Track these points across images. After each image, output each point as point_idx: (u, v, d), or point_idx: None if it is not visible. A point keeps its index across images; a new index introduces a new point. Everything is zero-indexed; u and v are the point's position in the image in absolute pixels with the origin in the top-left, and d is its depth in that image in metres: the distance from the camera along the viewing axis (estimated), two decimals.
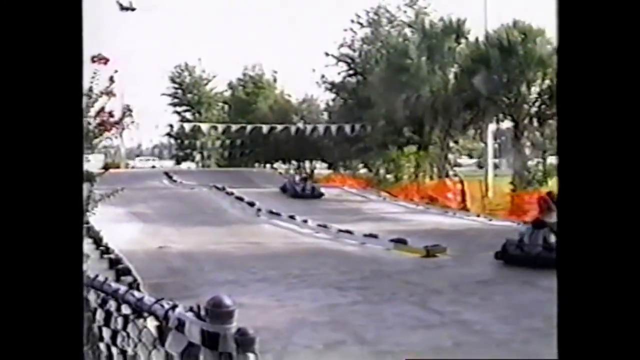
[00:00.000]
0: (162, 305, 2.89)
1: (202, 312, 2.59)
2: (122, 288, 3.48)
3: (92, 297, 3.83)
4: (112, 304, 3.57)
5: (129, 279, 12.30)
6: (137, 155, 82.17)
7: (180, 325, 2.66)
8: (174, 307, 2.80)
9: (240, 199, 29.30)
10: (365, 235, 19.56)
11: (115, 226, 20.04)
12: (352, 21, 52.41)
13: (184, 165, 61.92)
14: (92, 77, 10.70)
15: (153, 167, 61.16)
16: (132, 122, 11.45)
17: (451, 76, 38.67)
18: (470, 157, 60.16)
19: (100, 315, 3.73)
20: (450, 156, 42.01)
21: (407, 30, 47.95)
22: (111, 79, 10.91)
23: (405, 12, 50.72)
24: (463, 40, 39.64)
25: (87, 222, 12.99)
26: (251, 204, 27.58)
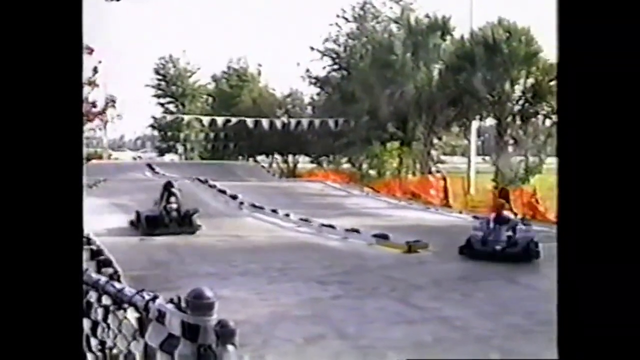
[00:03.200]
0: (142, 297, 2.88)
1: (183, 304, 2.58)
2: (103, 279, 3.47)
3: None
4: (92, 295, 3.55)
5: (109, 270, 12.24)
6: (120, 147, 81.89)
7: (161, 317, 2.65)
8: (154, 298, 2.79)
9: (222, 192, 29.22)
10: (348, 230, 19.54)
11: (97, 217, 19.93)
12: (338, 16, 52.46)
13: (167, 158, 61.72)
14: None
15: (134, 158, 60.85)
16: (118, 115, 11.43)
17: (435, 73, 38.74)
18: (463, 155, 60.31)
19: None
20: (433, 152, 42.09)
21: (393, 26, 47.94)
22: (95, 70, 10.90)
23: (391, 8, 50.80)
24: (448, 37, 39.74)
25: None
26: (234, 197, 27.51)
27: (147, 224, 19.46)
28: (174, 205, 19.91)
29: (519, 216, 17.83)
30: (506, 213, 16.70)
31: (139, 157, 64.71)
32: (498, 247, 15.66)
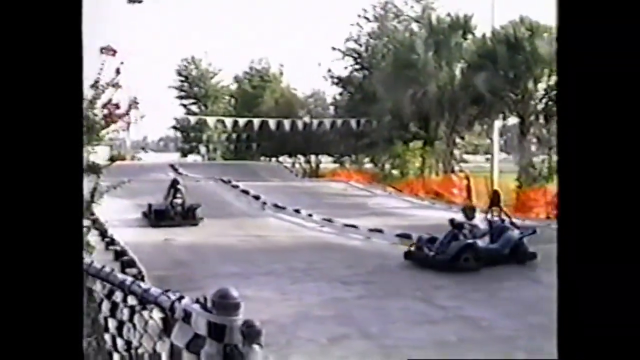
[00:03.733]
0: (168, 297, 2.89)
1: (209, 304, 2.59)
2: (129, 279, 3.49)
3: (98, 287, 3.84)
4: (118, 295, 3.58)
5: (133, 270, 12.32)
6: (143, 148, 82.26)
7: (187, 317, 2.67)
8: (180, 298, 2.80)
9: (245, 192, 29.30)
10: (371, 230, 19.56)
11: (121, 217, 20.10)
12: (359, 16, 52.45)
13: (190, 158, 61.92)
14: (100, 68, 10.72)
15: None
16: (142, 117, 11.46)
17: (457, 72, 38.59)
18: (486, 153, 59.99)
19: (106, 306, 3.74)
20: (455, 152, 41.92)
21: (414, 26, 47.90)
22: (117, 71, 10.92)
23: (412, 7, 50.74)
24: (470, 36, 39.58)
25: (93, 214, 13.01)
26: (256, 198, 27.58)
27: (155, 216, 21.91)
28: (179, 200, 22.32)
29: (512, 219, 17.12)
30: (477, 219, 16.30)
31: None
32: (431, 253, 15.13)
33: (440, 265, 14.71)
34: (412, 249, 15.64)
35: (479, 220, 16.36)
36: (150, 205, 22.41)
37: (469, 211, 16.57)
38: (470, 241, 15.17)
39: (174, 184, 23.18)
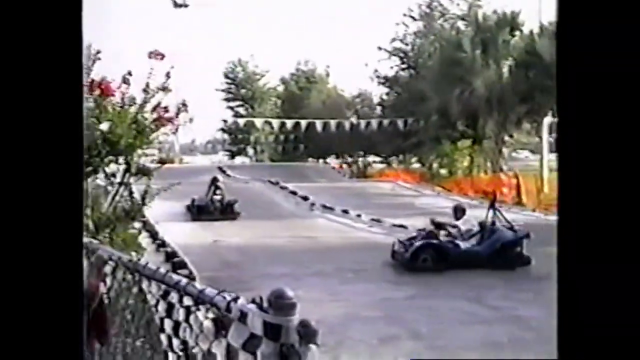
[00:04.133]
0: (224, 297, 2.93)
1: (265, 304, 2.62)
2: (184, 280, 3.54)
3: (154, 289, 3.91)
4: (174, 296, 3.63)
5: (184, 272, 12.44)
6: (191, 150, 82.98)
7: (243, 317, 2.70)
8: (236, 298, 2.84)
9: (293, 193, 29.42)
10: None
11: (170, 219, 20.34)
12: (405, 15, 52.24)
13: (238, 160, 62.31)
14: (149, 73, 10.87)
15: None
16: (191, 119, 11.59)
17: (505, 69, 38.22)
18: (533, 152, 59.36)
19: (162, 307, 3.81)
20: (504, 150, 41.52)
21: (460, 24, 47.55)
22: (167, 75, 11.06)
23: (458, 4, 50.34)
24: (517, 33, 39.16)
25: (144, 216, 13.20)
26: (305, 198, 27.68)
27: (197, 211, 23.70)
28: (218, 197, 24.04)
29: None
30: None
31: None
32: (402, 251, 15.23)
33: (403, 265, 14.77)
34: (396, 247, 15.61)
35: (462, 221, 16.17)
36: (193, 200, 23.94)
37: (457, 211, 16.52)
38: (434, 241, 15.10)
39: (214, 181, 24.62)
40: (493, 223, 15.92)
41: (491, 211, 16.05)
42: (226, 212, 23.55)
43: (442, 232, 15.59)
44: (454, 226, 15.92)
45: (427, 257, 14.69)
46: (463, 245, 15.23)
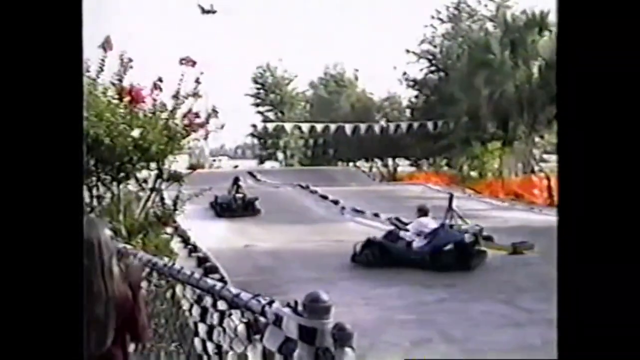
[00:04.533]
0: (259, 301, 2.95)
1: (299, 308, 2.63)
2: (219, 284, 3.56)
3: (188, 293, 3.94)
4: (208, 300, 3.66)
5: (216, 276, 12.48)
6: (222, 155, 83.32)
7: (278, 321, 2.71)
8: (270, 302, 2.85)
9: (324, 197, 29.42)
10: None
11: (202, 224, 20.42)
12: (433, 17, 52.09)
13: (268, 165, 62.48)
14: (179, 79, 10.95)
15: (235, 166, 61.64)
16: (222, 126, 11.66)
17: (535, 70, 37.96)
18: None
19: (196, 311, 3.84)
20: (535, 151, 41.23)
21: (489, 25, 47.29)
22: (197, 81, 11.13)
23: (486, 5, 50.00)
24: (546, 33, 38.85)
25: (175, 221, 13.28)
26: (335, 202, 27.67)
27: (220, 208, 25.15)
28: (240, 195, 25.67)
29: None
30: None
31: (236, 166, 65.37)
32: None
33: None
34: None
35: (416, 223, 16.62)
36: (216, 197, 25.04)
37: (419, 211, 17.14)
38: (378, 238, 16.22)
39: (236, 181, 26.38)
40: (451, 226, 16.91)
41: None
42: (248, 209, 25.04)
43: (402, 232, 16.51)
44: (406, 224, 17.11)
45: (369, 252, 15.78)
46: (415, 245, 15.85)
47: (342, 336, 2.56)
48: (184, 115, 11.05)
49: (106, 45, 10.54)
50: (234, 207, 25.05)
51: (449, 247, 15.30)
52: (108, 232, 3.55)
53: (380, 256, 15.57)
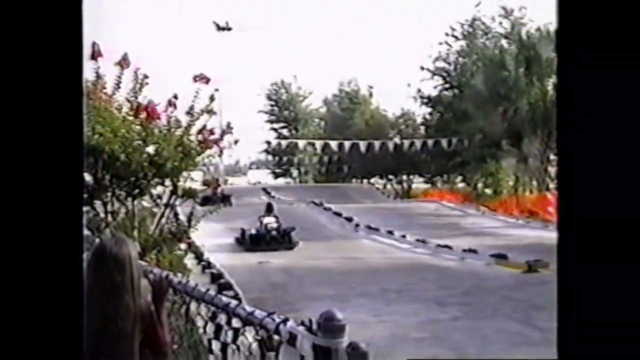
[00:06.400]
0: (273, 319, 2.94)
1: (314, 326, 2.62)
2: (233, 302, 3.56)
3: (202, 311, 3.94)
4: (222, 318, 3.66)
5: (230, 293, 12.47)
6: (235, 172, 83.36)
7: (292, 339, 2.70)
8: (285, 321, 2.84)
9: (338, 214, 29.39)
10: (465, 250, 19.34)
11: (215, 241, 20.44)
12: (447, 34, 51.99)
13: (281, 181, 62.48)
14: (194, 96, 10.98)
15: (256, 183, 61.52)
16: (236, 142, 11.68)
17: (550, 87, 37.87)
18: None
19: (210, 328, 3.84)
20: (550, 169, 41.05)
21: (504, 42, 47.22)
22: (211, 98, 11.16)
23: (500, 23, 49.86)
24: None
25: (189, 238, 13.29)
26: (349, 219, 27.63)
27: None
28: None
29: None
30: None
31: (258, 182, 65.28)
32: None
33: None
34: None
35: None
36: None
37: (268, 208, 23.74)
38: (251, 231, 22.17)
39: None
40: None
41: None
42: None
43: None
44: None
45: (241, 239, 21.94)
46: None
47: (356, 355, 2.55)
48: (199, 132, 11.07)
49: (123, 62, 10.59)
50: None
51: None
52: (136, 249, 3.61)
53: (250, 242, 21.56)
